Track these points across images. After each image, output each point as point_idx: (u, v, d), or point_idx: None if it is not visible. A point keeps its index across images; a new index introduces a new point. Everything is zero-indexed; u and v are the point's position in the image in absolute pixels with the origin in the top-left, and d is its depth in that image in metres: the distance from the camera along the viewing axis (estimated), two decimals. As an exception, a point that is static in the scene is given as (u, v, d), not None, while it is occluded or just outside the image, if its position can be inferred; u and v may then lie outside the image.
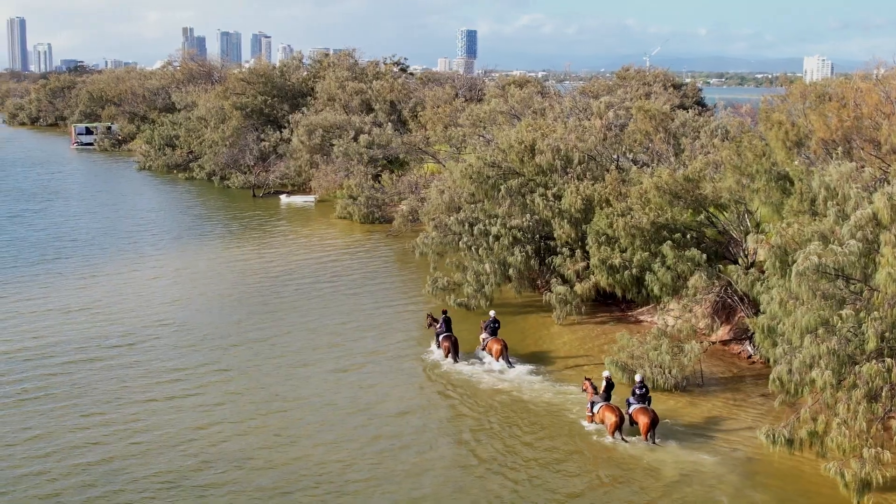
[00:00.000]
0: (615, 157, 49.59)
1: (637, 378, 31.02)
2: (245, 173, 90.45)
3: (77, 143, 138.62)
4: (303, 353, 38.13)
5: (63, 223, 69.10)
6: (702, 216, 40.86)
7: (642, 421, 29.20)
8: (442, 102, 78.40)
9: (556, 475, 26.95)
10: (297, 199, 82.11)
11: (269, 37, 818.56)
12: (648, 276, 38.71)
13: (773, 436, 25.62)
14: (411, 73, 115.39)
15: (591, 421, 30.28)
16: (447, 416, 31.66)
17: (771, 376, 26.58)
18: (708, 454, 28.18)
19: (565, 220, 43.29)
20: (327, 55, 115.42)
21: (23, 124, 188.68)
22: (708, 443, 29.10)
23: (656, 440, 29.10)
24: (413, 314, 43.57)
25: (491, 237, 43.55)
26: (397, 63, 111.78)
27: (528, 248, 43.71)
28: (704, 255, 37.83)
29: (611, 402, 30.22)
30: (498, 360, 36.07)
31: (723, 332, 38.58)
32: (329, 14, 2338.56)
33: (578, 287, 41.43)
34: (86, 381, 34.09)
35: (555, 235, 43.88)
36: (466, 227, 44.62)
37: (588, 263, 41.98)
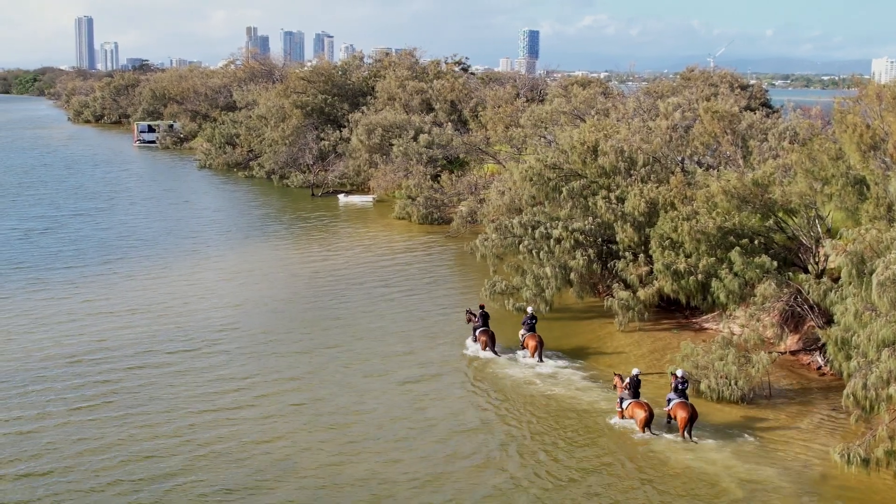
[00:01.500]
0: (680, 159, 48.32)
1: (679, 373, 30.86)
2: (304, 172, 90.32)
3: (139, 140, 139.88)
4: (371, 361, 36.83)
5: (127, 222, 69.15)
6: (770, 221, 39.37)
7: (681, 416, 29.15)
8: (503, 102, 77.43)
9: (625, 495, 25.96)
10: (356, 199, 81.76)
11: (332, 36, 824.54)
12: (714, 283, 37.35)
13: (848, 455, 24.38)
14: (472, 73, 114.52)
15: (622, 417, 30.36)
16: (518, 433, 30.12)
17: (845, 391, 25.42)
18: (777, 471, 26.96)
19: (628, 224, 42.12)
20: (388, 54, 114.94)
21: (87, 122, 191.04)
22: (777, 459, 27.86)
23: (693, 438, 28.94)
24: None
25: (552, 240, 42.49)
26: (458, 63, 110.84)
27: (590, 251, 42.59)
28: (774, 262, 36.50)
29: (640, 398, 30.27)
30: (533, 356, 36.72)
31: (791, 342, 37.20)
32: (393, 14, 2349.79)
33: (641, 292, 40.24)
34: (146, 389, 33.30)
35: (617, 239, 42.73)
36: (527, 229, 43.58)
37: (651, 268, 40.81)
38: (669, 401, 30.10)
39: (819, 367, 35.53)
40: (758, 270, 36.31)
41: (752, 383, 32.32)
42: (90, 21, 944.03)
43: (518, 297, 42.38)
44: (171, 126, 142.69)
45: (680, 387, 30.22)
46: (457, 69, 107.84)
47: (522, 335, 37.86)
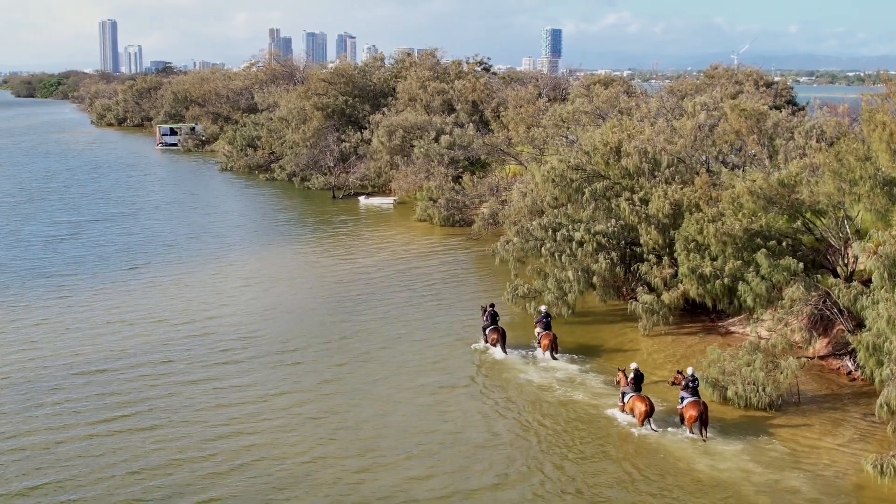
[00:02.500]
0: (704, 159, 47.51)
1: (689, 371, 30.78)
2: (325, 174, 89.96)
3: (161, 143, 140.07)
4: (394, 371, 35.91)
5: (150, 227, 68.47)
6: (798, 223, 38.46)
7: (689, 414, 29.33)
8: (525, 102, 76.68)
9: None
10: (376, 201, 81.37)
11: (354, 37, 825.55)
12: (741, 287, 36.50)
13: (881, 466, 23.62)
14: (494, 73, 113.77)
15: (623, 410, 30.77)
16: (544, 445, 29.35)
17: (879, 400, 24.73)
18: (807, 480, 26.21)
19: (652, 226, 41.37)
20: (409, 55, 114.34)
21: (110, 125, 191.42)
22: (807, 468, 27.09)
23: (706, 436, 29.07)
24: (518, 332, 40.31)
25: (574, 243, 41.82)
26: (480, 62, 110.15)
27: (614, 254, 41.85)
28: (801, 265, 35.66)
29: (640, 392, 30.61)
30: (545, 353, 37.19)
31: (820, 346, 36.34)
32: (415, 14, 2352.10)
33: (666, 296, 39.48)
34: (166, 399, 32.69)
35: (641, 242, 41.99)
36: (549, 232, 42.89)
37: (676, 271, 40.04)
38: (683, 399, 29.99)
39: (849, 372, 34.68)
40: (785, 273, 35.51)
41: (781, 389, 31.53)
42: (114, 24, 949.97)
43: (540, 301, 41.71)
44: (192, 129, 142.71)
45: (691, 385, 30.15)
46: (478, 69, 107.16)
47: (538, 333, 38.10)
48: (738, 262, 36.93)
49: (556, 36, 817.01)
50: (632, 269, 42.31)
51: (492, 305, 39.62)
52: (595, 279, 41.55)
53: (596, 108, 64.19)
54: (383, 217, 74.86)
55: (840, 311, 34.90)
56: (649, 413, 29.71)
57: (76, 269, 53.58)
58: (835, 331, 36.37)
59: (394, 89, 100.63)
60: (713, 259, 37.83)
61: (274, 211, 79.10)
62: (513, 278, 43.84)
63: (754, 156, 45.38)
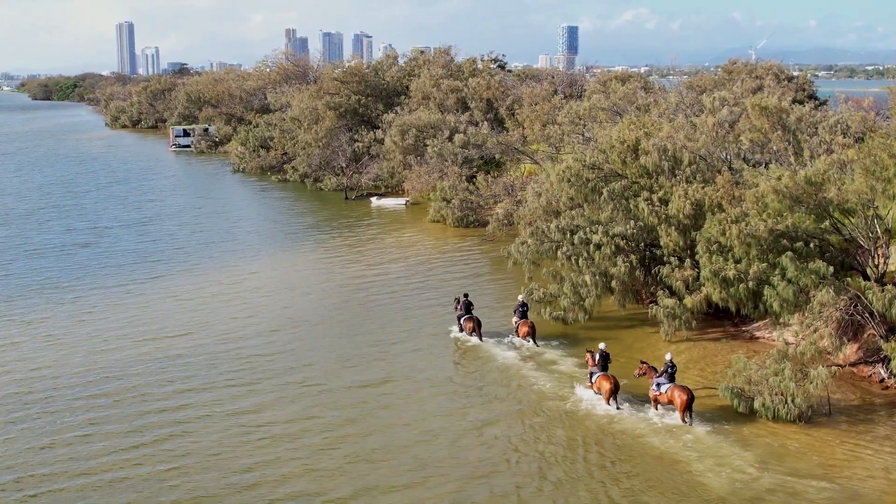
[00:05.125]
0: (725, 156, 45.75)
1: (667, 357, 31.52)
2: (338, 175, 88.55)
3: (175, 145, 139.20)
4: (415, 391, 33.51)
5: (167, 235, 66.53)
6: (826, 223, 36.62)
7: (680, 398, 29.71)
8: (540, 100, 74.90)
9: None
10: (388, 202, 79.97)
11: (370, 36, 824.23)
12: (767, 291, 34.73)
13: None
14: (509, 71, 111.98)
15: (591, 388, 32.09)
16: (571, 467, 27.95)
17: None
18: (842, 495, 24.62)
19: (673, 227, 39.65)
20: (423, 52, 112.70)
21: (124, 127, 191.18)
22: (841, 482, 25.48)
23: (692, 421, 29.51)
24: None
25: (592, 246, 40.13)
26: (495, 60, 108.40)
27: (633, 257, 40.15)
28: (831, 268, 33.86)
29: (607, 372, 32.06)
30: (525, 340, 38.40)
31: (850, 352, 34.47)
32: (432, 13, 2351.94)
33: (688, 300, 37.77)
34: (179, 413, 31.48)
35: (661, 243, 40.28)
36: (566, 234, 41.21)
37: (698, 273, 38.32)
38: (659, 385, 30.75)
39: (882, 380, 32.99)
40: (813, 276, 33.77)
41: (810, 400, 29.84)
42: (131, 26, 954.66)
43: (556, 306, 40.22)
44: (206, 130, 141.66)
45: (670, 370, 30.81)
46: (493, 67, 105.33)
47: (515, 322, 39.27)
48: (764, 265, 35.18)
49: (572, 33, 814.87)
50: (652, 272, 40.63)
51: (465, 295, 40.76)
52: (614, 283, 39.85)
53: (613, 105, 62.43)
54: (396, 218, 73.35)
55: (871, 314, 33.14)
56: (614, 391, 31.07)
57: (92, 279, 51.77)
58: (865, 336, 34.64)
59: (407, 88, 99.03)
60: (737, 262, 36.10)
61: (286, 215, 77.53)
62: (527, 282, 42.28)
63: (777, 152, 43.56)
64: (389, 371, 35.68)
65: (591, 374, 32.31)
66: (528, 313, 39.60)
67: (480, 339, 38.79)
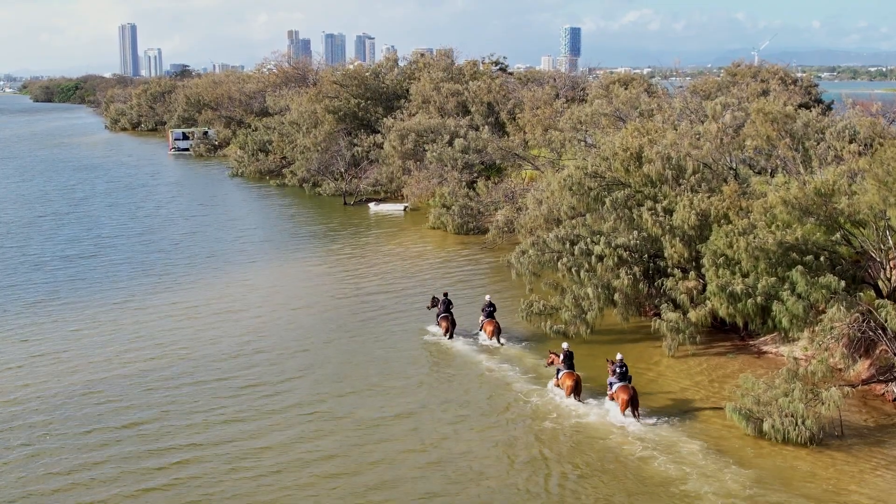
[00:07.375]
0: (731, 163, 44.47)
1: (618, 357, 32.25)
2: (336, 180, 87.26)
3: (174, 148, 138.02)
4: (420, 409, 32.22)
5: (169, 243, 65.04)
6: (837, 235, 35.33)
7: (622, 398, 30.82)
8: (541, 104, 73.58)
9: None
10: (386, 208, 78.74)
11: (373, 38, 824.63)
12: (776, 306, 33.50)
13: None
14: (510, 73, 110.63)
15: (557, 385, 33.33)
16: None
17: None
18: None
19: (677, 238, 38.35)
20: (423, 55, 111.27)
21: (124, 129, 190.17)
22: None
23: (639, 418, 30.45)
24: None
25: (594, 257, 38.86)
26: (496, 62, 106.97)
27: (636, 269, 38.83)
28: (842, 282, 32.61)
29: (572, 370, 33.07)
30: (490, 339, 39.57)
31: (861, 369, 33.27)
32: (434, 14, 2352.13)
33: (693, 314, 36.48)
34: (185, 431, 30.41)
35: (665, 255, 39.00)
36: (566, 245, 39.94)
37: (704, 285, 37.07)
38: (611, 385, 31.74)
39: (895, 399, 31.74)
40: (824, 291, 32.53)
41: (822, 421, 28.60)
42: (133, 28, 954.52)
43: (557, 319, 39.04)
44: (205, 133, 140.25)
45: (619, 370, 31.59)
46: (494, 69, 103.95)
47: (481, 321, 40.40)
48: (773, 279, 33.96)
49: (574, 35, 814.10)
50: (655, 283, 39.36)
51: (445, 294, 41.80)
52: (616, 296, 38.58)
53: (616, 110, 61.20)
54: (395, 225, 72.00)
55: (884, 329, 31.89)
56: (575, 387, 32.36)
57: (94, 289, 50.54)
58: (878, 352, 33.38)
59: (407, 91, 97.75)
60: (744, 275, 34.88)
61: (285, 221, 76.03)
62: (528, 293, 41.09)
63: (784, 159, 42.23)
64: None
65: (558, 370, 33.56)
66: (495, 314, 40.49)
67: (451, 338, 40.13)
